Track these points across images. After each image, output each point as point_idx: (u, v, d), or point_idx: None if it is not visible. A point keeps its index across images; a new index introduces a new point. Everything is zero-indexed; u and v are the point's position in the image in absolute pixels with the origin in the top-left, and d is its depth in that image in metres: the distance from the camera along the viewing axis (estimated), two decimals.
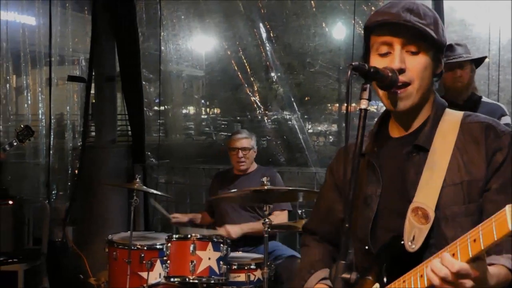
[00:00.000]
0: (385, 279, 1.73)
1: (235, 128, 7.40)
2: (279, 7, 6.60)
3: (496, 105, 3.93)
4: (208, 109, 7.98)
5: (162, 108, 7.21)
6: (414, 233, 1.70)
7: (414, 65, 1.75)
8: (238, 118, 7.71)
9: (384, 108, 1.91)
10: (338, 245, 2.03)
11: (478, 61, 3.98)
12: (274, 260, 4.45)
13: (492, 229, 1.36)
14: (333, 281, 1.54)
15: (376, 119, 2.00)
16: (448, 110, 1.87)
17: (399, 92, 1.76)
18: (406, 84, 1.75)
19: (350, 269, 1.51)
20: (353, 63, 1.63)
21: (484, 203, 1.72)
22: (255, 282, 4.20)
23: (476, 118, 1.83)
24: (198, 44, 7.25)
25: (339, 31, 6.55)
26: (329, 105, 7.54)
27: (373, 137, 1.94)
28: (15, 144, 4.83)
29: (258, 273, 4.20)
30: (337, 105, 7.54)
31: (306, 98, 6.95)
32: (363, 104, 1.61)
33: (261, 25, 6.41)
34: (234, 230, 4.56)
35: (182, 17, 7.01)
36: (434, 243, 1.70)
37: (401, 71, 1.73)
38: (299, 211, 4.71)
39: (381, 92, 1.79)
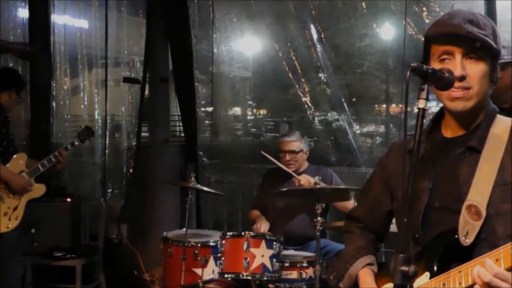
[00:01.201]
0: (435, 268, 1.85)
1: (282, 129, 7.46)
2: (330, 8, 6.63)
3: None
4: (256, 110, 8.05)
5: (213, 109, 7.33)
6: (467, 229, 1.81)
7: (474, 73, 1.85)
8: (286, 118, 7.76)
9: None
10: (380, 236, 2.24)
11: None
12: (325, 257, 4.51)
13: None
14: (391, 274, 1.61)
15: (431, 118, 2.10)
16: (499, 116, 1.98)
17: (460, 94, 1.86)
18: (466, 88, 1.86)
19: (409, 262, 1.58)
20: (412, 65, 1.70)
21: None
22: (307, 279, 4.27)
23: None
24: (249, 45, 7.34)
25: (389, 32, 6.54)
26: (376, 106, 7.52)
27: (427, 134, 2.04)
28: (76, 144, 5.00)
29: (310, 271, 4.26)
30: (385, 106, 7.53)
31: (355, 99, 6.95)
32: (421, 103, 1.68)
33: (312, 26, 6.46)
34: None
35: (234, 19, 7.11)
36: (485, 237, 1.81)
37: (462, 78, 1.84)
38: None
39: (442, 93, 1.89)
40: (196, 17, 6.79)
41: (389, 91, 6.97)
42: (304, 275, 4.26)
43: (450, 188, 1.93)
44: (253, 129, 7.87)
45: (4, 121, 4.50)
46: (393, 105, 7.05)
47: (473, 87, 1.87)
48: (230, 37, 7.17)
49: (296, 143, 4.93)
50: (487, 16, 5.00)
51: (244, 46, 7.35)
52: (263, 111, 8.15)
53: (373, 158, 6.47)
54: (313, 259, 4.24)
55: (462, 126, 1.97)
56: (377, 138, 7.44)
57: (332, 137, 6.79)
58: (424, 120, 1.70)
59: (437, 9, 5.75)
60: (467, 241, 1.81)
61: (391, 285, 1.93)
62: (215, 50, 6.95)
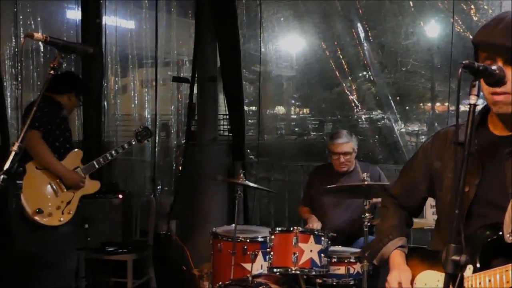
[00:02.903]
0: (478, 264, 1.88)
1: (326, 128, 7.48)
2: (377, 7, 6.65)
3: None
4: (299, 109, 8.10)
5: (258, 107, 7.41)
6: None
7: None
8: (330, 117, 7.79)
9: None
10: (413, 213, 2.36)
11: None
12: None
13: None
14: (443, 263, 1.67)
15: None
16: None
17: (500, 98, 1.91)
18: (506, 93, 1.90)
19: (460, 252, 1.65)
20: (464, 62, 1.75)
21: None
22: (355, 275, 4.31)
23: None
24: (296, 44, 7.40)
25: (435, 30, 6.52)
26: (421, 104, 7.49)
27: (474, 129, 2.06)
28: (133, 143, 5.12)
29: (357, 267, 4.31)
30: (430, 104, 7.49)
31: (403, 97, 6.93)
32: (473, 99, 1.73)
33: (359, 24, 6.50)
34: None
35: (282, 18, 7.19)
36: None
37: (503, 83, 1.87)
38: None
39: (486, 95, 1.94)
40: (244, 17, 6.89)
41: (435, 89, 6.94)
42: (351, 271, 4.30)
43: (496, 185, 1.97)
44: (296, 128, 7.91)
45: (62, 118, 4.65)
46: (438, 103, 7.01)
47: (510, 93, 1.90)
48: (278, 37, 7.25)
49: (348, 144, 4.94)
50: None
51: (291, 45, 7.41)
52: (306, 110, 8.19)
53: (402, 158, 6.47)
54: (360, 255, 4.29)
55: (509, 126, 2.00)
56: (422, 137, 7.40)
57: (378, 136, 6.81)
58: None
59: (485, 7, 5.71)
60: (511, 238, 1.84)
61: (429, 272, 2.01)
62: (262, 49, 7.04)
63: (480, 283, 1.84)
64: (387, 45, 6.78)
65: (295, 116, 8.24)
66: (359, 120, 6.86)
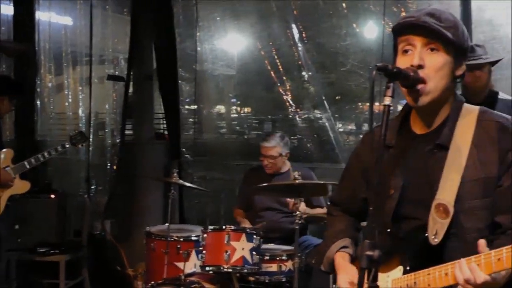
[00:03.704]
0: (407, 266, 1.94)
1: (266, 127, 7.54)
2: (312, 8, 6.73)
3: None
4: (240, 108, 8.12)
5: (196, 106, 7.41)
6: (436, 228, 1.89)
7: (432, 63, 1.90)
8: (270, 116, 7.84)
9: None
10: (360, 217, 2.32)
11: (494, 62, 4.09)
12: (304, 251, 4.62)
13: None
14: (359, 258, 1.72)
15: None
16: (465, 106, 2.03)
17: (418, 88, 1.91)
18: (424, 81, 1.90)
19: (374, 247, 1.68)
20: (378, 64, 1.79)
21: (497, 198, 1.90)
22: (287, 272, 4.38)
23: (491, 116, 2.00)
24: (233, 44, 7.42)
25: (370, 31, 6.66)
26: (360, 104, 7.62)
27: (397, 129, 2.10)
28: (67, 146, 5.06)
29: (289, 264, 4.38)
30: (368, 104, 7.62)
31: (337, 97, 7.05)
32: (387, 100, 1.76)
33: (293, 25, 6.58)
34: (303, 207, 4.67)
35: (218, 18, 7.19)
36: (454, 233, 1.90)
37: (420, 67, 1.89)
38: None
39: (403, 89, 1.95)
40: (180, 16, 6.87)
41: (353, 93, 7.08)
42: (283, 268, 4.37)
43: (421, 185, 2.00)
44: (237, 127, 7.93)
45: None
46: (377, 103, 7.15)
47: (430, 79, 1.90)
48: (214, 36, 7.25)
49: (275, 148, 5.01)
50: (463, 16, 5.13)
51: (228, 44, 7.43)
52: (247, 109, 8.22)
53: (336, 157, 6.60)
54: (292, 252, 4.35)
55: (429, 122, 2.01)
56: (360, 136, 7.53)
57: (315, 135, 6.90)
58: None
59: (415, 9, 5.87)
60: (436, 240, 1.89)
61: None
62: (198, 48, 7.05)
63: (407, 285, 1.91)
64: (322, 46, 6.88)
65: (236, 115, 8.25)
66: (296, 120, 6.94)
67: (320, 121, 6.85)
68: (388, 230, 2.04)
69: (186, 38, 7.01)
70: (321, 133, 6.81)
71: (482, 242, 1.74)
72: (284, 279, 4.40)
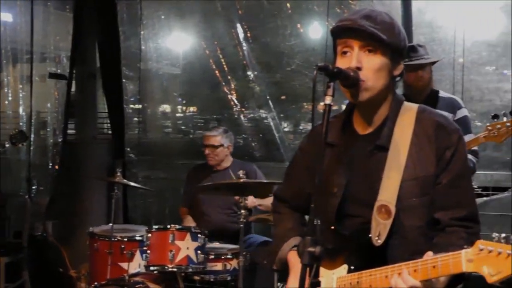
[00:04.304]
0: (351, 266, 1.98)
1: (211, 126, 7.56)
2: (256, 8, 6.77)
3: (452, 98, 4.10)
4: (185, 107, 8.08)
5: (141, 105, 7.35)
6: (379, 229, 1.94)
7: (369, 65, 1.95)
8: (215, 116, 7.85)
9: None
10: (306, 213, 2.33)
11: (435, 62, 4.21)
12: (249, 248, 4.64)
13: (449, 264, 1.65)
14: (300, 255, 1.75)
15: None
16: (405, 105, 2.09)
17: (357, 85, 1.95)
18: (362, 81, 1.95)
19: (316, 243, 1.72)
20: (319, 64, 1.83)
21: (435, 196, 1.97)
22: (231, 271, 4.40)
23: (429, 114, 2.06)
24: (178, 43, 7.38)
25: (314, 32, 6.73)
26: (305, 104, 7.69)
27: (340, 129, 2.15)
28: (7, 146, 4.96)
29: (234, 263, 4.40)
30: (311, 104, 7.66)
31: (282, 97, 7.10)
32: (328, 100, 1.81)
33: (238, 25, 6.61)
34: (252, 199, 4.67)
35: (162, 16, 7.15)
36: (396, 231, 1.95)
37: (358, 69, 1.94)
38: None
39: (346, 90, 1.99)
40: (124, 13, 6.80)
41: (316, 89, 7.14)
42: (228, 267, 4.39)
43: (363, 184, 2.04)
44: (182, 127, 7.90)
45: None
46: (321, 103, 7.22)
47: (367, 79, 1.94)
48: (159, 34, 7.20)
49: (216, 137, 5.04)
50: (404, 18, 5.25)
51: (173, 43, 7.38)
52: (192, 109, 8.19)
53: (281, 156, 6.67)
54: (237, 251, 4.37)
55: (370, 121, 2.06)
56: (304, 135, 7.58)
57: (260, 135, 6.93)
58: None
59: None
60: (379, 241, 1.93)
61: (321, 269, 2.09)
62: (143, 47, 7.00)
63: (351, 283, 1.95)
64: (266, 46, 6.92)
65: (181, 115, 8.21)
66: (240, 119, 6.96)
67: (265, 121, 6.89)
68: (332, 227, 2.08)
69: (131, 36, 6.95)
70: (266, 132, 6.86)
71: (430, 254, 1.79)
72: (229, 278, 4.42)
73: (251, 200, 4.59)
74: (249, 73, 6.80)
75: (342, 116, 2.17)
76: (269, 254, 2.34)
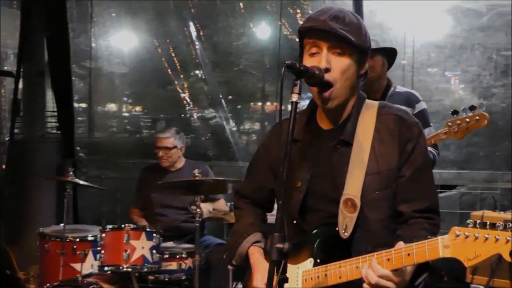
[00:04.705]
0: (318, 259, 2.02)
1: (159, 126, 7.52)
2: (209, 6, 6.77)
3: (409, 93, 3.98)
4: (133, 107, 8.01)
5: (89, 104, 7.25)
6: (346, 222, 1.99)
7: (338, 66, 2.00)
8: (166, 115, 7.80)
9: None
10: (267, 209, 2.38)
11: (390, 56, 3.97)
12: (204, 249, 4.64)
13: (425, 251, 1.72)
14: (268, 251, 1.77)
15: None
16: (367, 102, 2.15)
17: (326, 94, 2.00)
18: (331, 85, 2.00)
19: (284, 240, 1.74)
20: (287, 62, 1.85)
21: (398, 189, 2.04)
22: (186, 270, 4.40)
23: (390, 110, 2.13)
24: (128, 41, 7.30)
25: (266, 31, 6.77)
26: (252, 103, 7.73)
27: (304, 125, 2.18)
28: None
29: (189, 262, 4.40)
30: (260, 103, 7.75)
31: (230, 97, 7.10)
32: (294, 97, 1.84)
33: (191, 23, 6.60)
34: (205, 206, 4.64)
35: (113, 14, 7.07)
36: (360, 225, 2.00)
37: (327, 70, 1.98)
38: (228, 204, 4.92)
39: (313, 90, 2.04)
40: (74, 10, 6.70)
41: (265, 89, 7.21)
42: (183, 266, 4.39)
43: (327, 179, 2.09)
44: (128, 126, 7.83)
45: None
46: (268, 103, 7.28)
47: (336, 82, 2.00)
48: (109, 32, 7.12)
49: (170, 139, 5.02)
50: None
51: (123, 41, 7.30)
52: (141, 108, 8.12)
53: (250, 153, 6.67)
54: (192, 250, 4.37)
55: (335, 119, 2.11)
56: (253, 135, 7.63)
57: (210, 134, 6.94)
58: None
59: (310, 11, 6.04)
60: (346, 234, 1.98)
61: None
62: (93, 44, 6.91)
63: (318, 277, 1.98)
64: (220, 45, 6.93)
65: (130, 114, 8.13)
66: (192, 118, 6.95)
67: (217, 120, 6.90)
68: (294, 221, 2.11)
69: (80, 33, 6.85)
70: (218, 131, 6.87)
71: (401, 244, 1.84)
72: (184, 277, 4.41)
73: (205, 208, 4.57)
74: (201, 72, 6.79)
75: (306, 112, 2.20)
76: (228, 249, 2.33)
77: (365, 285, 1.84)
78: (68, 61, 6.37)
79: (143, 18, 7.00)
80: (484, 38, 5.59)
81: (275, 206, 2.18)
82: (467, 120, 3.32)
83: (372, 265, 1.81)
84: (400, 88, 4.01)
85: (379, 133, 2.06)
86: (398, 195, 2.04)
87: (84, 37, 6.87)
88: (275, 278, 1.73)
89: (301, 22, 6.10)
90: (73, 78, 6.59)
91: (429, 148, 3.41)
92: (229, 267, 4.33)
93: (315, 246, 2.04)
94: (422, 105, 3.89)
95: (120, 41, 7.26)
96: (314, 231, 2.08)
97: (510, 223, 1.59)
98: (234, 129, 7.02)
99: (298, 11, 6.07)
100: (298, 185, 2.11)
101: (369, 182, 2.01)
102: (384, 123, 2.07)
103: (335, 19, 1.99)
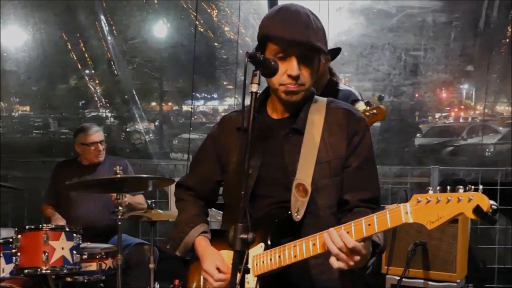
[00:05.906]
0: (269, 242, 2.03)
1: (70, 124, 7.30)
2: (122, 1, 6.66)
3: (348, 91, 4.09)
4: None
5: None
6: (298, 206, 2.04)
7: (307, 71, 2.06)
8: (76, 111, 7.59)
9: None
10: (210, 202, 2.40)
11: (334, 53, 4.10)
12: (123, 250, 4.52)
13: (386, 219, 1.76)
14: (232, 241, 1.76)
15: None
16: (316, 96, 2.22)
17: (294, 88, 2.05)
18: (300, 85, 2.06)
19: (247, 230, 1.76)
20: (249, 52, 1.85)
21: (345, 178, 2.12)
22: (107, 270, 4.25)
23: (338, 104, 2.22)
24: (36, 36, 6.99)
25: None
26: (153, 103, 7.69)
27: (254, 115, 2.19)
28: None
29: (109, 262, 4.26)
30: (156, 103, 7.70)
31: (144, 93, 7.02)
32: (254, 87, 1.85)
33: (102, 17, 6.44)
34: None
35: (19, 6, 6.77)
36: (310, 210, 2.05)
37: (297, 77, 2.03)
38: (149, 202, 4.84)
39: (277, 86, 2.06)
40: None
41: (163, 89, 7.18)
42: (103, 266, 4.24)
43: (278, 165, 2.14)
44: (18, 126, 7.55)
45: None
46: (170, 103, 7.26)
47: (305, 84, 2.07)
48: (15, 25, 6.80)
49: (98, 133, 4.88)
50: None
51: (32, 35, 6.99)
52: (27, 108, 7.86)
53: (147, 154, 6.63)
54: (111, 250, 4.25)
55: (288, 109, 2.16)
56: (150, 135, 7.55)
57: (125, 130, 6.83)
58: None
59: (226, 9, 6.06)
60: (298, 217, 2.03)
61: (226, 251, 2.10)
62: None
63: (271, 260, 1.99)
64: (131, 40, 6.82)
65: (16, 114, 7.83)
66: (107, 114, 6.81)
67: (128, 114, 6.79)
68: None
69: None
70: (131, 127, 6.77)
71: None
72: (104, 278, 4.27)
73: (129, 197, 4.48)
74: (114, 67, 6.64)
75: (257, 103, 2.20)
76: (171, 240, 2.29)
77: (334, 257, 1.84)
78: None
79: (51, 12, 6.74)
80: (394, 38, 5.82)
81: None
82: (367, 114, 3.50)
83: (339, 232, 1.83)
84: (342, 86, 4.15)
85: (328, 124, 2.13)
86: (345, 184, 2.11)
87: None
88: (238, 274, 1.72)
89: (216, 19, 6.09)
90: None
91: None
92: (151, 266, 4.28)
93: (265, 229, 2.07)
94: (362, 106, 3.97)
95: (27, 35, 6.94)
96: (265, 215, 2.11)
97: (470, 186, 1.64)
98: (129, 129, 6.95)
99: (214, 6, 6.08)
100: (249, 172, 2.11)
101: (320, 169, 2.08)
102: (333, 115, 2.15)
103: (306, 27, 2.02)
